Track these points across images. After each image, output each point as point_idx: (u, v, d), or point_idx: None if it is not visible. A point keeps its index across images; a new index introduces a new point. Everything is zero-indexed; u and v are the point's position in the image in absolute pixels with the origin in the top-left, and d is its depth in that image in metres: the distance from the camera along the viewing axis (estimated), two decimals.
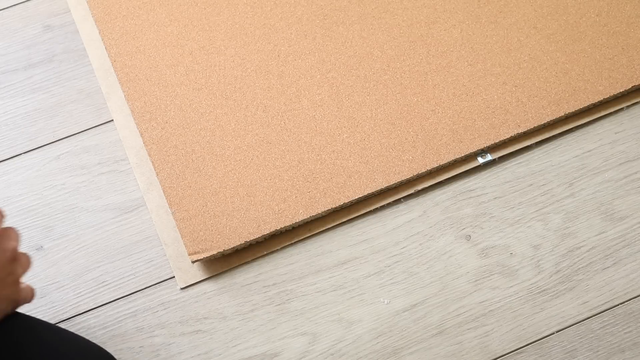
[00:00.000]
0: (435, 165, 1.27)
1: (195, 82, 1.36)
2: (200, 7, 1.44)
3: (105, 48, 1.40)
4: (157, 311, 1.20)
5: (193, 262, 1.21)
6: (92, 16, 1.43)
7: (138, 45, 1.40)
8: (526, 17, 1.41)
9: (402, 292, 1.20)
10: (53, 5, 1.48)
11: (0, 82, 1.41)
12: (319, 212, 1.24)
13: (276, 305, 1.19)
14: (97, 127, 1.35)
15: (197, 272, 1.22)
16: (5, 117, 1.37)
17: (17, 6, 1.49)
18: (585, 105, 1.31)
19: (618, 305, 1.18)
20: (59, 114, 1.37)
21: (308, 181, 1.27)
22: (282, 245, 1.24)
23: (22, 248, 1.22)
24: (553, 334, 1.16)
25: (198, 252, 1.21)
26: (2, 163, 1.31)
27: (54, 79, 1.41)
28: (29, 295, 1.05)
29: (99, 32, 1.42)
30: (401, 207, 1.26)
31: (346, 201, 1.25)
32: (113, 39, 1.41)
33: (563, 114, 1.31)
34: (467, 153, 1.28)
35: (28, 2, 1.49)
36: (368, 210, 1.26)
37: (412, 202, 1.26)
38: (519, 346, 1.15)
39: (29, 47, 1.44)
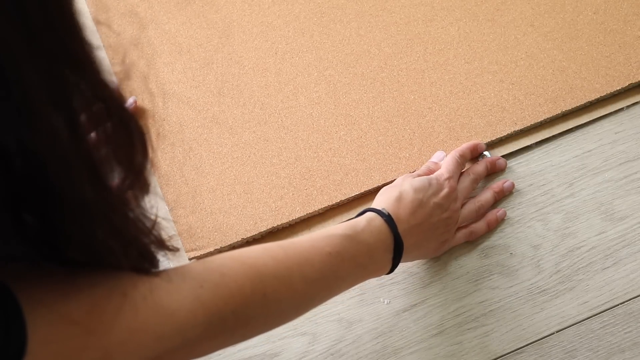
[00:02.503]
0: None
1: (192, 79, 1.32)
2: (198, 4, 1.39)
3: (103, 46, 1.34)
4: None
5: (190, 259, 1.16)
6: (90, 14, 1.38)
7: (135, 42, 1.35)
8: (523, 15, 1.36)
9: (402, 292, 1.15)
10: None
11: None
12: (316, 209, 1.20)
13: None
14: None
15: None
16: None
17: None
18: (582, 103, 1.27)
19: (618, 305, 1.13)
20: None
21: (305, 178, 1.22)
22: None
23: None
24: (553, 334, 1.12)
25: (195, 249, 1.17)
26: None
27: None
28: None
29: (97, 30, 1.36)
30: None
31: (343, 199, 1.21)
32: (111, 37, 1.35)
33: (560, 112, 1.26)
34: None
35: None
36: None
37: None
38: (519, 346, 1.11)
39: None
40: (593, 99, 1.27)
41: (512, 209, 1.20)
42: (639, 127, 1.27)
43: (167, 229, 0.85)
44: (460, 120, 1.26)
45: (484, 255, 1.17)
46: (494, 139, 1.24)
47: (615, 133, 1.26)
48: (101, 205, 0.67)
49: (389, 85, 1.30)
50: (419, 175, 1.14)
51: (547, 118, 1.26)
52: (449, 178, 1.13)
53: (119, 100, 0.68)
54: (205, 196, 1.21)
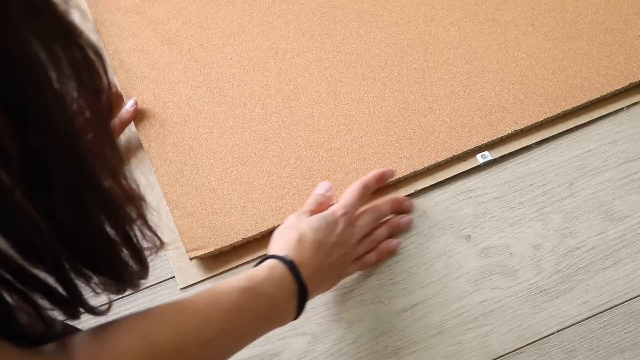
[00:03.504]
0: (433, 162, 1.22)
1: (193, 79, 1.31)
2: (199, 4, 1.38)
3: (104, 45, 1.34)
4: None
5: (191, 259, 1.15)
6: (91, 14, 1.37)
7: (136, 42, 1.34)
8: (524, 15, 1.35)
9: (402, 292, 1.14)
10: None
11: None
12: None
13: None
14: None
15: (197, 273, 1.16)
16: None
17: None
18: (583, 102, 1.26)
19: (618, 305, 1.12)
20: None
21: (306, 178, 1.21)
22: None
23: None
24: (553, 334, 1.10)
25: (196, 249, 1.16)
26: None
27: None
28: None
29: (97, 30, 1.35)
30: None
31: None
32: (111, 37, 1.35)
33: (560, 111, 1.25)
34: (464, 150, 1.23)
35: None
36: None
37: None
38: (519, 346, 1.10)
39: None
40: (593, 98, 1.26)
41: (512, 209, 1.19)
42: (639, 127, 1.26)
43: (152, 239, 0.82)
44: (460, 119, 1.25)
45: (484, 255, 1.16)
46: (494, 138, 1.23)
47: (615, 133, 1.25)
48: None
49: (390, 85, 1.29)
50: (311, 211, 1.10)
51: (548, 118, 1.25)
52: (344, 214, 1.08)
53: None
54: (206, 196, 1.20)
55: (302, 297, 0.99)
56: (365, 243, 1.13)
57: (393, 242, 1.16)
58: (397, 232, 1.17)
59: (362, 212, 1.13)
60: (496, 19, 1.35)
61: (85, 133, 0.67)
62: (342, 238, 1.06)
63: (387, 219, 1.17)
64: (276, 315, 0.97)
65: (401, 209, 1.19)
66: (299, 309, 0.99)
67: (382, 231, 1.15)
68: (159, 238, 0.80)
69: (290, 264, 0.99)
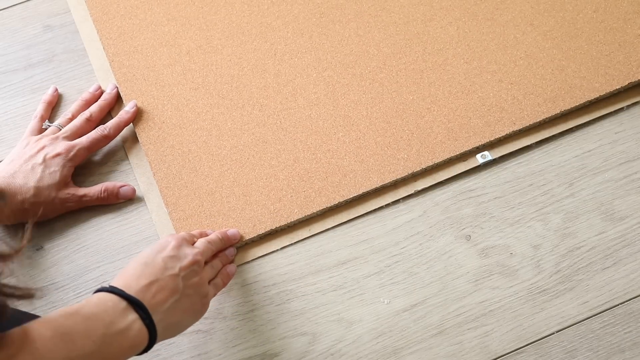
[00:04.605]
0: (431, 163, 1.21)
1: (191, 81, 1.30)
2: (197, 6, 1.37)
3: (103, 47, 1.33)
4: None
5: None
6: (91, 15, 1.36)
7: (136, 44, 1.33)
8: (522, 14, 1.34)
9: (402, 292, 1.13)
10: (53, 5, 1.41)
11: (0, 82, 1.33)
12: (314, 211, 1.18)
13: (276, 305, 1.13)
14: None
15: None
16: (5, 117, 1.30)
17: (17, 6, 1.41)
18: (582, 102, 1.25)
19: (618, 305, 1.11)
20: (59, 114, 1.29)
21: (303, 180, 1.20)
22: (282, 246, 1.17)
23: None
24: (553, 334, 1.10)
25: None
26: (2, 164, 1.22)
27: (54, 78, 1.33)
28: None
29: (97, 32, 1.34)
30: (401, 207, 1.20)
31: (341, 200, 1.19)
32: (111, 39, 1.34)
33: (559, 111, 1.24)
34: (462, 151, 1.22)
35: (28, 2, 1.41)
36: (368, 210, 1.19)
37: (412, 202, 1.20)
38: (519, 346, 1.09)
39: (29, 47, 1.37)
40: (592, 98, 1.25)
41: (512, 209, 1.19)
42: (639, 127, 1.25)
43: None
44: (459, 120, 1.24)
45: (484, 255, 1.15)
46: (492, 139, 1.22)
47: (615, 133, 1.24)
48: None
49: (388, 85, 1.28)
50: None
51: (546, 118, 1.24)
52: (173, 235, 1.07)
53: None
54: (204, 199, 1.19)
55: (140, 309, 0.95)
56: (207, 267, 1.09)
57: (231, 266, 1.14)
58: (226, 262, 1.14)
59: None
60: (495, 19, 1.33)
61: None
62: (176, 252, 1.03)
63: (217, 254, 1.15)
64: (120, 334, 0.92)
65: (229, 240, 1.16)
66: (147, 322, 0.95)
67: (217, 262, 1.12)
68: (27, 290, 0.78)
69: (109, 287, 0.96)
